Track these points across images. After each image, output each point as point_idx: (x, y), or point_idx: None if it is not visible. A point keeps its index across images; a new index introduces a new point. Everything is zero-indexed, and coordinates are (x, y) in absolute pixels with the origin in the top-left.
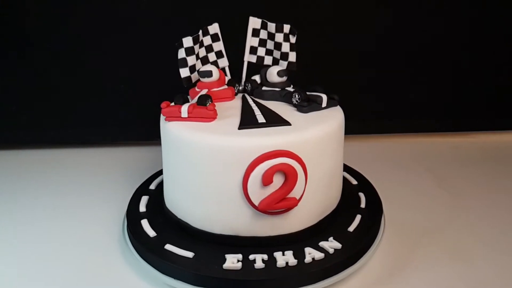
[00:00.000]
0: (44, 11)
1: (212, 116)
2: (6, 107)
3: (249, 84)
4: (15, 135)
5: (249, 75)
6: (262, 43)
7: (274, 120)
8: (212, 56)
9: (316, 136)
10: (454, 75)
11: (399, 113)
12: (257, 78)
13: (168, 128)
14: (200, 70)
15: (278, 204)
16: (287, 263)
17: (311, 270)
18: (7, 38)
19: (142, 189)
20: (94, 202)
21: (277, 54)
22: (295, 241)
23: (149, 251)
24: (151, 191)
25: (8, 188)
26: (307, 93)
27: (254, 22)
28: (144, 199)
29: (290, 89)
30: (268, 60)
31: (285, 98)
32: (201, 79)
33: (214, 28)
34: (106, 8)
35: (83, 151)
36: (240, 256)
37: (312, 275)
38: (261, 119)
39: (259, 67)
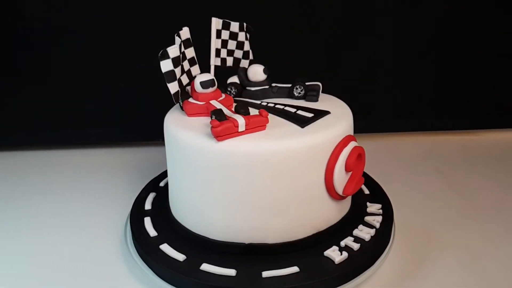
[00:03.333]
0: (43, 11)
1: (266, 123)
2: (4, 108)
3: (233, 88)
4: (13, 136)
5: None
6: (224, 44)
7: (318, 112)
8: (186, 65)
9: (351, 118)
10: (458, 74)
11: (404, 112)
12: (233, 80)
13: (224, 148)
14: (202, 80)
15: (358, 185)
16: (371, 236)
17: (386, 236)
18: (5, 38)
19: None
20: (95, 204)
21: (238, 53)
22: (353, 218)
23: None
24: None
25: (7, 191)
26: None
27: (217, 23)
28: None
29: (281, 85)
30: (229, 61)
31: (278, 93)
32: (203, 90)
33: (185, 33)
34: (106, 8)
35: (82, 152)
36: (336, 248)
37: (386, 240)
38: (307, 114)
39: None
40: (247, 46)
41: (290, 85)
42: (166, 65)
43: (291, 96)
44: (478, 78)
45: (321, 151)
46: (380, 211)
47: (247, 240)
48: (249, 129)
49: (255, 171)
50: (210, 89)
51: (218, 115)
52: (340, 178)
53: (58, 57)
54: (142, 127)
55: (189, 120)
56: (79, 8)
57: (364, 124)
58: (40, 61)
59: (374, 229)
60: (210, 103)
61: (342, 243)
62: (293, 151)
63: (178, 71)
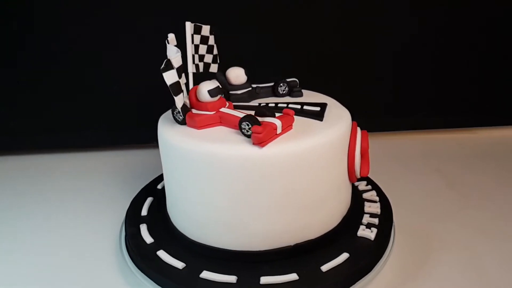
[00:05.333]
0: (35, 13)
1: (293, 122)
2: None
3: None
4: (5, 140)
5: None
6: (196, 49)
7: (321, 105)
8: None
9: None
10: (455, 72)
11: (402, 111)
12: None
13: (270, 153)
14: (210, 89)
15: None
16: (378, 209)
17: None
18: None
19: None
20: (88, 209)
21: (208, 58)
22: (355, 198)
23: None
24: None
25: None
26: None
27: (190, 28)
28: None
29: (262, 85)
30: (201, 67)
31: (263, 93)
32: (211, 99)
33: (172, 40)
34: (99, 10)
35: (75, 156)
36: (363, 227)
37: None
38: (314, 108)
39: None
40: (215, 50)
41: (272, 84)
42: (171, 76)
43: (276, 95)
44: (475, 75)
45: (345, 139)
46: (369, 186)
47: (291, 242)
48: (284, 129)
49: (300, 170)
50: (218, 97)
51: (252, 121)
52: (358, 162)
53: (51, 60)
54: (136, 130)
55: (200, 133)
56: (71, 10)
57: (361, 123)
58: (33, 64)
59: (378, 203)
60: (223, 112)
61: (364, 221)
62: (328, 144)
63: (182, 81)
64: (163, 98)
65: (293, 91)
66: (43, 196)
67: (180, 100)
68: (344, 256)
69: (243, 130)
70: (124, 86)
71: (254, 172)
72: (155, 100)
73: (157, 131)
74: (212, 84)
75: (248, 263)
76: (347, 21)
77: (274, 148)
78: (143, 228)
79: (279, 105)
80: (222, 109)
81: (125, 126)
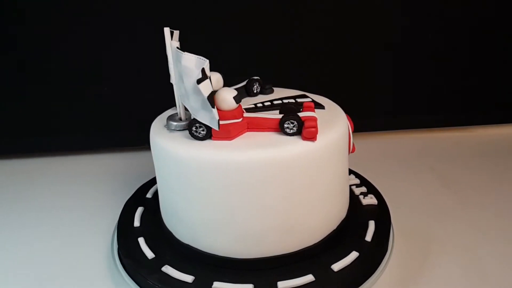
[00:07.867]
0: (24, 13)
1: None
2: None
3: None
4: None
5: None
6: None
7: (305, 96)
8: None
9: None
10: (452, 71)
11: (397, 110)
12: None
13: (322, 144)
14: (235, 95)
15: None
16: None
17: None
18: None
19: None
20: (80, 214)
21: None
22: None
23: None
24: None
25: None
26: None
27: (168, 34)
28: None
29: (235, 86)
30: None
31: (241, 95)
32: (236, 105)
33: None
34: (93, 14)
35: (66, 159)
36: (361, 196)
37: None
38: (306, 100)
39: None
40: None
41: (244, 84)
42: (206, 87)
43: (249, 94)
44: (471, 74)
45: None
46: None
47: (335, 225)
48: None
49: (341, 155)
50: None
51: (297, 118)
52: (351, 140)
53: (45, 63)
54: (127, 132)
55: (233, 144)
56: (61, 11)
57: (358, 122)
58: (27, 67)
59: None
60: (253, 117)
61: (357, 192)
62: (347, 126)
63: None
64: (156, 100)
65: (265, 89)
66: (33, 200)
67: (216, 113)
68: (372, 224)
69: (286, 129)
70: (115, 88)
71: (311, 166)
72: (148, 101)
73: (162, 147)
74: (231, 90)
75: (311, 259)
76: (345, 20)
77: (323, 139)
78: (170, 269)
79: (275, 102)
80: (247, 114)
81: (120, 128)
